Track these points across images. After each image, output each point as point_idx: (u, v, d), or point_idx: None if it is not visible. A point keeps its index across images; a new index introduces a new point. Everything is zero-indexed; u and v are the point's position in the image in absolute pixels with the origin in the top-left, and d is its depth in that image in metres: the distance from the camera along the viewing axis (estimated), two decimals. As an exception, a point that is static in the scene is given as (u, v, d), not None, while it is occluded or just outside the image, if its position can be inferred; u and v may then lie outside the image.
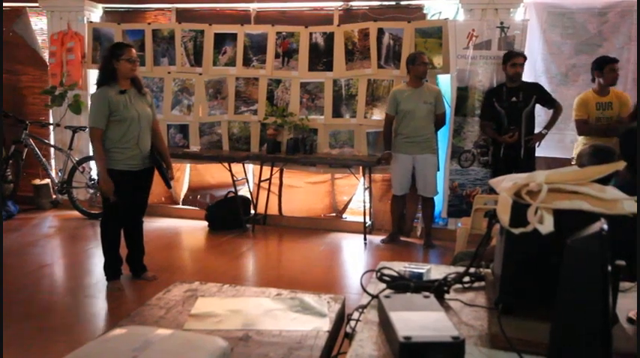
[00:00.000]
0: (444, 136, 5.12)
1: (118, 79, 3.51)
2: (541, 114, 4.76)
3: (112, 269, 3.72)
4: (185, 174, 6.13)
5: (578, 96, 4.49)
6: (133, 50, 3.59)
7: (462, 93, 4.95)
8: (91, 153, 5.98)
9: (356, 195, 5.66)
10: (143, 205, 3.84)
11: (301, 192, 5.80)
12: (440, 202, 5.23)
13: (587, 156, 2.76)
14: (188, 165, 6.07)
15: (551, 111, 4.64)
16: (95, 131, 3.47)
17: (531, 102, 4.53)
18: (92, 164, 5.99)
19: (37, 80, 6.32)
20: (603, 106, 4.38)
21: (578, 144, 4.52)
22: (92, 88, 6.02)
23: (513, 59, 4.50)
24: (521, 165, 4.44)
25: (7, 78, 6.37)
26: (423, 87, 4.78)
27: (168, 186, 3.95)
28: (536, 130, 4.63)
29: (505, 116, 4.55)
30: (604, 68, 4.35)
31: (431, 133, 4.82)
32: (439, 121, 4.89)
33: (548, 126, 4.61)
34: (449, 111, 5.12)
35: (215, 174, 6.00)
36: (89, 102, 5.89)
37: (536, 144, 4.62)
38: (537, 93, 4.56)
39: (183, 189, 6.15)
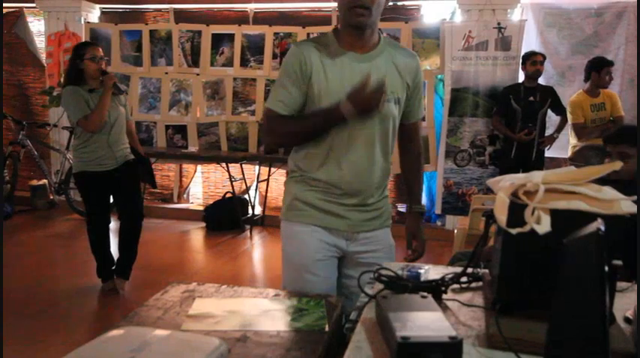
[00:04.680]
0: (436, 135, 5.15)
1: (86, 79, 3.42)
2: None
3: (104, 271, 3.68)
4: (197, 175, 6.22)
5: (571, 99, 4.49)
6: (99, 49, 3.48)
7: (459, 94, 4.97)
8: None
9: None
10: (136, 205, 3.67)
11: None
12: (434, 199, 5.29)
13: (594, 158, 2.77)
14: (200, 172, 6.12)
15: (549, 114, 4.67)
16: (83, 120, 3.31)
17: (546, 105, 4.53)
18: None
19: (36, 81, 6.31)
20: (597, 107, 4.41)
21: (575, 145, 4.54)
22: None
23: (533, 57, 4.48)
24: (532, 166, 4.41)
25: (9, 79, 6.37)
26: (378, 51, 1.71)
27: (154, 185, 3.93)
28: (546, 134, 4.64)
29: (521, 114, 4.51)
30: (602, 70, 4.35)
31: (386, 172, 1.80)
32: (412, 138, 1.90)
33: (558, 130, 4.63)
34: (442, 111, 5.13)
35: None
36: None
37: (547, 147, 4.63)
38: (552, 96, 4.56)
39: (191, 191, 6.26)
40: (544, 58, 4.51)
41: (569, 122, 4.51)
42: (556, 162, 4.84)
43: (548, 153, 4.79)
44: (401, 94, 1.74)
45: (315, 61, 1.65)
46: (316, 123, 1.66)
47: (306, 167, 1.74)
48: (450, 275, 1.38)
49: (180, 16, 5.87)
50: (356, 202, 1.73)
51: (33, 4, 5.99)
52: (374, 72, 1.62)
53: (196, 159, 5.67)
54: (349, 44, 1.68)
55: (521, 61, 4.60)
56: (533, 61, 4.47)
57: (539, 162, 4.58)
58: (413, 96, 1.80)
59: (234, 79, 5.63)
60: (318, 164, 1.71)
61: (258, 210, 5.74)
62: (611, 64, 4.39)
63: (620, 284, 1.35)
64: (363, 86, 1.54)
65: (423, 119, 4.69)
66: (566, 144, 4.68)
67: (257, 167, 5.67)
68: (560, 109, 4.60)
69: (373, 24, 1.65)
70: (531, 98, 4.51)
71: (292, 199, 1.77)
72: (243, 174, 5.55)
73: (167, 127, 5.76)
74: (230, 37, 5.59)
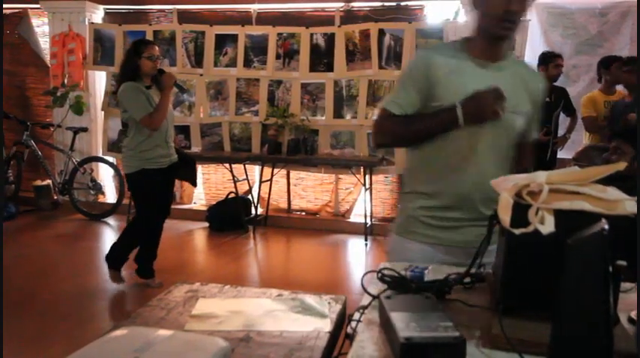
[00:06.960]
0: None
1: (141, 76, 3.44)
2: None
3: (121, 261, 3.70)
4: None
5: (586, 95, 4.50)
6: (156, 47, 3.52)
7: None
8: (92, 154, 6.00)
9: (359, 195, 5.67)
10: (170, 204, 3.78)
11: (309, 186, 5.88)
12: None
13: (598, 158, 2.77)
14: (200, 173, 6.13)
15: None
16: (147, 118, 3.34)
17: (560, 105, 4.51)
18: (93, 165, 6.01)
19: (39, 81, 6.33)
20: (611, 105, 4.39)
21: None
22: (93, 89, 6.06)
23: (557, 60, 4.43)
24: (546, 167, 4.37)
25: (12, 79, 6.39)
26: (508, 63, 1.69)
27: (195, 184, 4.15)
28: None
29: None
30: (611, 66, 4.34)
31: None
32: (522, 158, 1.78)
33: (569, 130, 4.64)
34: None
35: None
36: (90, 103, 5.95)
37: (560, 147, 4.63)
38: (565, 97, 4.55)
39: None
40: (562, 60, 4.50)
41: (580, 116, 4.50)
42: (563, 163, 4.83)
43: (558, 154, 4.78)
44: (527, 109, 1.70)
45: (442, 68, 1.60)
46: (429, 125, 1.59)
47: (421, 180, 1.69)
48: (453, 276, 1.37)
49: (184, 17, 5.88)
50: (473, 216, 1.63)
51: (37, 5, 6.01)
52: (501, 80, 1.57)
53: (199, 159, 5.67)
54: (480, 52, 1.64)
55: (538, 61, 4.54)
56: (557, 64, 4.40)
57: (553, 163, 4.57)
58: (533, 116, 1.76)
59: (238, 80, 5.64)
60: (433, 177, 1.65)
61: (261, 211, 5.74)
62: (622, 59, 4.36)
63: (624, 285, 1.34)
64: (483, 91, 1.51)
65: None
66: (572, 146, 4.67)
67: (257, 167, 5.67)
68: (570, 110, 4.60)
69: (512, 36, 1.65)
70: (547, 99, 4.49)
71: (406, 217, 1.72)
72: (246, 174, 5.55)
73: (170, 128, 5.77)
74: (233, 38, 5.60)
